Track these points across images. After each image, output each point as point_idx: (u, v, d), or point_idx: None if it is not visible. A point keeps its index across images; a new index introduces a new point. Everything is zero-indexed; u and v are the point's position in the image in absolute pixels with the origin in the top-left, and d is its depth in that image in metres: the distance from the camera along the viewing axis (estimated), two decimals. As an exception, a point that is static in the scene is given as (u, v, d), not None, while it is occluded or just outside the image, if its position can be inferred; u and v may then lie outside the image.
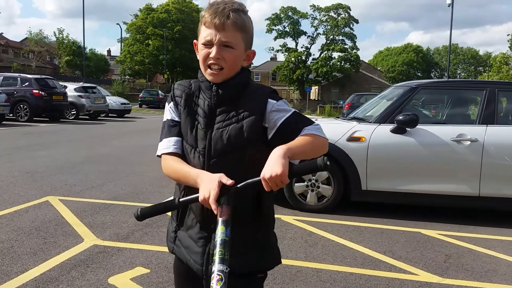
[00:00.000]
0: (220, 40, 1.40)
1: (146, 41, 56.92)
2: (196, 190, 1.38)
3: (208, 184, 1.32)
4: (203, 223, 1.50)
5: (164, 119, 1.56)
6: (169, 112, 1.55)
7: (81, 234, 4.20)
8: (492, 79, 46.91)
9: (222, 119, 1.47)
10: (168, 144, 1.51)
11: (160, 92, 39.60)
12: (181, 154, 1.50)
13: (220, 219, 1.28)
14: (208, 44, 1.42)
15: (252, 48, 1.53)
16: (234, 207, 1.33)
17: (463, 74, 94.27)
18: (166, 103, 1.58)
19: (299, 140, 1.41)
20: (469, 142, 5.05)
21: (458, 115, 5.95)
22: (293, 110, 1.50)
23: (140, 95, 37.77)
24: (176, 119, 1.53)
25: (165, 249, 3.90)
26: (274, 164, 1.29)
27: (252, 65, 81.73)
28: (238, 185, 1.34)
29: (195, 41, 1.54)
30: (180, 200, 1.40)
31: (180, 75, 63.94)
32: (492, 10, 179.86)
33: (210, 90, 1.48)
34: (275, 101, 1.48)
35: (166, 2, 59.91)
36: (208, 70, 1.44)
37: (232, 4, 1.43)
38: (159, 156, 1.53)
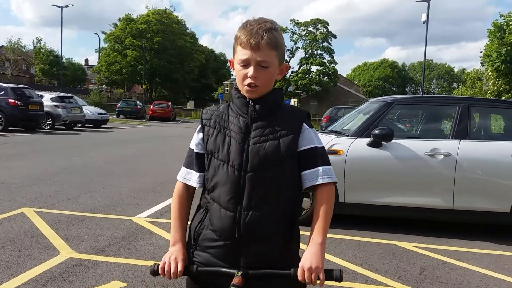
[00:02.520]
0: (256, 60, 1.47)
1: (125, 51, 56.54)
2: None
3: None
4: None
5: (190, 146, 1.64)
6: (194, 140, 1.62)
7: (56, 246, 4.14)
8: (466, 94, 48.15)
9: (259, 134, 1.51)
10: (187, 175, 1.61)
11: (138, 102, 39.24)
12: (196, 188, 1.61)
13: (232, 283, 1.38)
14: (245, 64, 1.49)
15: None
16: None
17: (437, 89, 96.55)
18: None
19: (325, 217, 1.50)
20: (442, 156, 5.18)
21: (432, 130, 6.10)
22: (322, 144, 1.57)
23: (117, 105, 37.31)
24: (195, 149, 1.60)
25: (143, 262, 3.88)
26: (313, 257, 1.42)
27: (232, 77, 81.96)
28: (250, 272, 1.43)
29: (230, 58, 1.60)
30: (199, 269, 1.47)
31: (159, 85, 63.62)
32: (468, 28, 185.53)
33: (247, 106, 1.53)
34: (307, 127, 1.56)
35: (146, 13, 59.75)
36: (246, 87, 1.50)
37: (264, 23, 1.49)
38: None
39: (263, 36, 1.46)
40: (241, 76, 1.50)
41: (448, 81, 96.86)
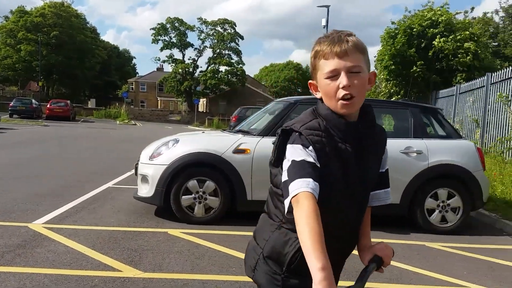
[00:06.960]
0: (346, 67, 1.32)
1: (18, 46, 52.27)
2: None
3: None
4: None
5: (294, 159, 1.31)
6: (304, 153, 1.31)
7: None
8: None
9: (371, 159, 1.49)
10: (307, 184, 1.24)
11: (33, 101, 36.42)
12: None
13: None
14: (334, 76, 1.33)
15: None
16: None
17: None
18: (295, 144, 1.35)
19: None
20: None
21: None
22: (387, 166, 1.63)
23: (10, 104, 34.33)
24: (312, 160, 1.30)
25: (41, 270, 3.64)
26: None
27: (137, 75, 79.40)
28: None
29: (310, 81, 1.45)
30: None
31: (56, 82, 59.78)
32: (366, 33, 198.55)
33: (355, 129, 1.39)
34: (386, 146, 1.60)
35: (41, 6, 55.74)
36: (340, 102, 1.33)
37: (342, 31, 1.37)
38: (294, 196, 1.25)
39: (348, 40, 1.33)
40: (332, 90, 1.35)
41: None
